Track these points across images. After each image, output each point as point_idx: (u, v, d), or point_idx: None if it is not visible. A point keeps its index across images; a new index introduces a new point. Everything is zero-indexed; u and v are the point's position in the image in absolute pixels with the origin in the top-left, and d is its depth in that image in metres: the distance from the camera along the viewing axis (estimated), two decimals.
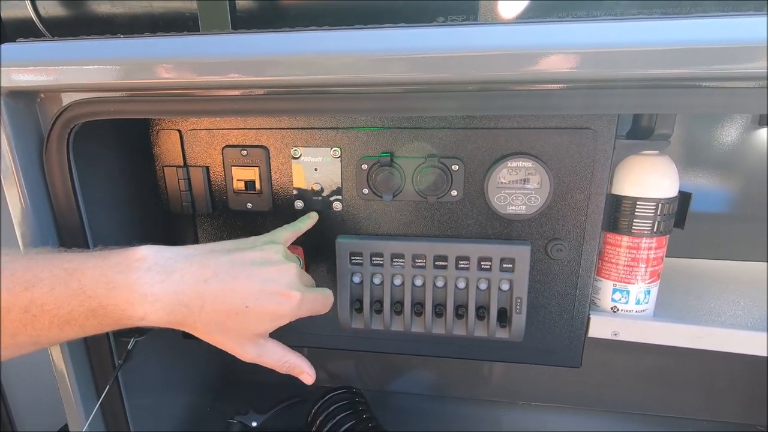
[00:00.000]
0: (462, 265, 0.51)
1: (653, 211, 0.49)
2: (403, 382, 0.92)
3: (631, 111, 0.46)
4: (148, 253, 0.35)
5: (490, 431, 0.83)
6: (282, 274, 0.39)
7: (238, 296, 0.36)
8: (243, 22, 0.65)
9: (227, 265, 0.37)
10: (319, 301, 0.42)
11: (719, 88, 0.36)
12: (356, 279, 0.53)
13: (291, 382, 0.91)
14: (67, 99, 0.46)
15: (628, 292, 0.53)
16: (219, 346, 0.39)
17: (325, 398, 0.73)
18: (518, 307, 0.51)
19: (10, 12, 0.69)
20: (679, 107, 0.37)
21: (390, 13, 0.63)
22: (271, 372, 0.41)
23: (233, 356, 0.40)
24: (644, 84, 0.37)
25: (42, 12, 0.68)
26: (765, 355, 0.49)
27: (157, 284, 0.34)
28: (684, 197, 0.52)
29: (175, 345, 0.71)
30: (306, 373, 0.44)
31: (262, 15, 0.65)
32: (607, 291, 0.54)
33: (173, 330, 0.62)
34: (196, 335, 0.38)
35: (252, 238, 0.43)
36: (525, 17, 0.56)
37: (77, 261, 0.35)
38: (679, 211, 0.52)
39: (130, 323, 0.35)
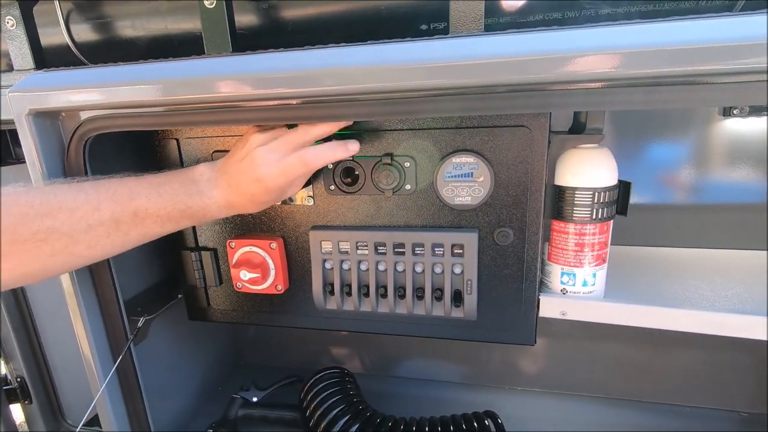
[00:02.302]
0: (418, 252, 0.57)
1: (591, 199, 0.54)
2: (389, 367, 0.99)
3: (635, 108, 0.45)
4: (203, 170, 0.52)
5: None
6: (251, 169, 0.50)
7: (251, 189, 0.50)
8: (245, 38, 0.73)
9: (236, 174, 0.51)
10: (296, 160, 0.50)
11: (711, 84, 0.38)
12: (328, 265, 0.61)
13: (291, 365, 1.00)
14: (84, 116, 0.56)
15: (574, 275, 0.57)
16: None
17: (316, 377, 0.80)
18: (469, 288, 0.57)
19: (50, 39, 0.80)
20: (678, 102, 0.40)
21: (378, 22, 0.69)
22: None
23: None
24: (647, 82, 0.39)
25: (76, 38, 0.79)
26: (699, 332, 0.53)
27: (213, 188, 0.51)
28: (625, 186, 0.56)
29: (185, 328, 0.81)
30: (346, 149, 0.53)
31: (262, 30, 0.73)
32: (556, 274, 0.59)
33: (177, 314, 0.72)
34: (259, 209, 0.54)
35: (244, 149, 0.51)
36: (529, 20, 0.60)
37: (159, 178, 0.50)
38: (621, 199, 0.56)
39: (212, 216, 0.52)
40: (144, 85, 0.51)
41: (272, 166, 0.49)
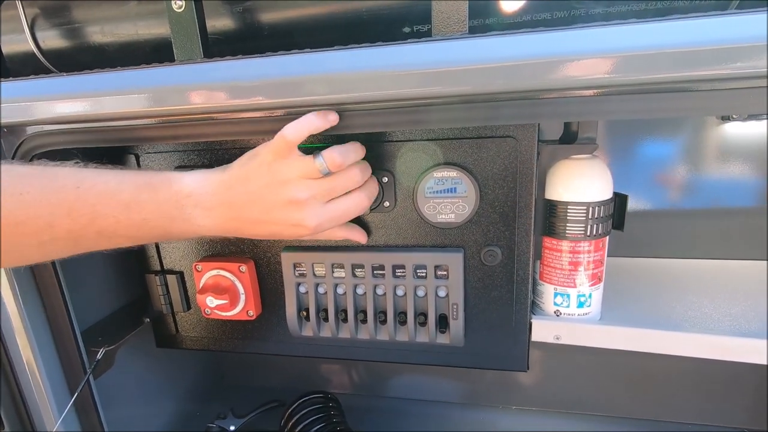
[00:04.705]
0: (399, 274, 0.52)
1: (585, 214, 0.49)
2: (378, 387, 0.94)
3: (634, 117, 0.40)
4: (192, 189, 0.41)
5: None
6: (289, 213, 0.42)
7: (264, 228, 0.43)
8: (218, 43, 0.68)
9: (251, 209, 0.42)
10: (339, 214, 0.44)
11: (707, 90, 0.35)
12: (302, 289, 0.56)
13: (273, 385, 0.95)
14: (30, 131, 0.51)
15: (568, 296, 0.53)
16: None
17: (298, 402, 0.75)
18: (455, 313, 0.52)
19: (15, 47, 0.75)
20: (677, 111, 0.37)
21: (358, 25, 0.65)
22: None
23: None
24: (643, 89, 0.36)
25: (43, 45, 0.74)
26: (702, 356, 0.48)
27: (204, 218, 0.41)
28: (621, 199, 0.52)
29: (155, 354, 0.75)
30: (357, 235, 0.50)
31: (237, 35, 0.68)
32: (549, 295, 0.54)
33: (150, 339, 0.67)
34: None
35: (265, 175, 0.42)
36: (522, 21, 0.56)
37: (128, 192, 0.40)
38: (617, 214, 0.52)
39: (198, 237, 0.47)
40: (94, 98, 0.46)
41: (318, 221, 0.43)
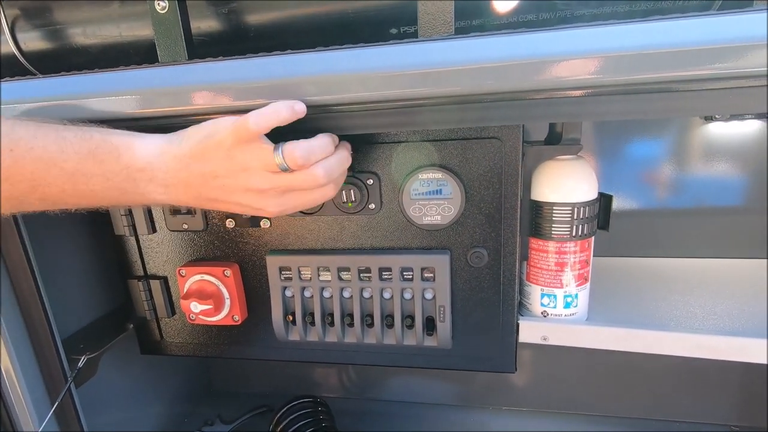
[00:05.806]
0: (385, 276, 0.52)
1: (570, 215, 0.49)
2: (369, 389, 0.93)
3: (625, 117, 0.40)
4: (145, 164, 0.38)
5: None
6: (250, 198, 0.40)
7: (225, 207, 0.42)
8: (204, 45, 0.67)
9: (210, 189, 0.40)
10: (302, 203, 0.42)
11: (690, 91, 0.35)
12: (288, 293, 0.55)
13: (261, 390, 0.94)
14: None
15: (555, 297, 0.53)
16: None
17: (286, 407, 0.74)
18: (442, 315, 0.52)
19: None
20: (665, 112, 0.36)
21: (345, 26, 0.65)
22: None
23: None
24: (631, 89, 0.35)
25: (23, 46, 0.73)
26: (690, 356, 0.49)
27: (160, 194, 0.40)
28: (606, 199, 0.52)
29: (140, 360, 0.74)
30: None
31: (222, 36, 0.67)
32: (536, 296, 0.54)
33: (134, 345, 0.66)
34: None
35: (224, 159, 0.38)
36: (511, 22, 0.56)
37: (71, 161, 0.36)
38: (602, 214, 0.52)
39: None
40: (73, 100, 0.45)
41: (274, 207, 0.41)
